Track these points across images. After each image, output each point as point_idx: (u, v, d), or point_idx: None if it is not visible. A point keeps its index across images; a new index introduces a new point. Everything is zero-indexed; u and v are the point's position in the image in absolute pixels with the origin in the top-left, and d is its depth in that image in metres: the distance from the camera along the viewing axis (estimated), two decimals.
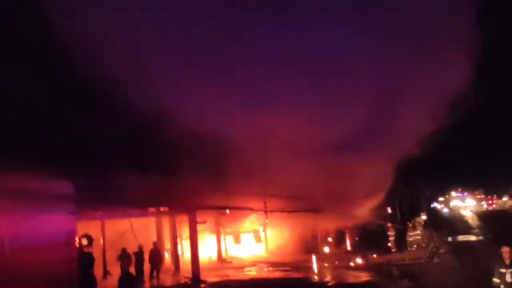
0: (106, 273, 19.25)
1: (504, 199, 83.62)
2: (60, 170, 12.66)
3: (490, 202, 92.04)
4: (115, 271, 18.27)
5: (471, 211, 74.80)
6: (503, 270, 9.33)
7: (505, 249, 9.51)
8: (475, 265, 18.20)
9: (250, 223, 26.22)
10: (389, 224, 29.51)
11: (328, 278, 19.20)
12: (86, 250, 15.38)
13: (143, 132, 16.09)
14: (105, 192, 14.49)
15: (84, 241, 16.43)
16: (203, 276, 18.65)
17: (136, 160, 15.58)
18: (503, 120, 61.79)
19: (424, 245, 26.88)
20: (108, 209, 16.83)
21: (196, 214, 18.93)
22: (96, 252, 17.64)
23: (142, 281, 18.01)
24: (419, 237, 27.26)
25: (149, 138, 16.28)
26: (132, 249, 18.45)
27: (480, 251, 23.03)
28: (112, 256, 19.13)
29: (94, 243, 17.22)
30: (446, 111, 23.90)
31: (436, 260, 21.34)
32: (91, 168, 14.35)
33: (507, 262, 9.38)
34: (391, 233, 27.86)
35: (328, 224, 26.35)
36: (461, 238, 31.50)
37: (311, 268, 21.41)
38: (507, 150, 62.36)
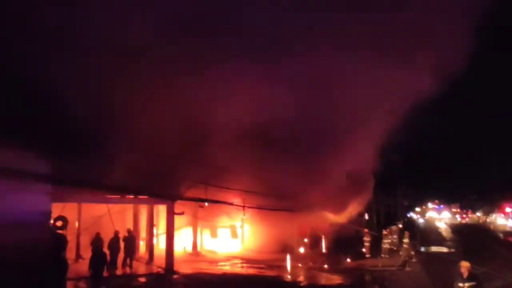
0: (78, 257, 19.08)
1: (478, 214, 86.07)
2: (38, 149, 12.42)
3: (464, 216, 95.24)
4: (88, 255, 18.13)
5: (445, 223, 75.97)
6: (460, 285, 9.53)
7: (464, 264, 9.74)
8: (444, 276, 18.49)
9: (228, 218, 26.21)
10: (365, 230, 29.83)
11: (301, 278, 19.31)
12: (60, 232, 15.21)
13: (128, 115, 15.79)
14: (84, 174, 14.26)
15: (59, 223, 16.25)
16: (176, 267, 18.64)
17: (118, 144, 15.33)
18: (481, 143, 63.87)
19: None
20: (85, 192, 16.65)
21: (175, 204, 18.87)
22: (70, 235, 17.49)
23: (115, 268, 17.90)
24: (406, 246, 27.43)
25: (135, 123, 16.02)
26: (107, 234, 18.35)
27: (450, 263, 23.36)
28: (86, 240, 18.99)
29: (68, 226, 17.04)
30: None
31: (407, 268, 21.62)
32: (71, 148, 14.10)
33: (465, 276, 9.58)
34: (367, 238, 28.17)
35: (305, 225, 26.52)
36: (434, 249, 31.96)
37: (285, 267, 21.49)
38: (483, 170, 64.58)
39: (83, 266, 17.84)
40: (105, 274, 16.48)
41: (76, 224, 19.39)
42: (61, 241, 14.27)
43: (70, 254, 16.54)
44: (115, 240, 18.14)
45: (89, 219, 19.02)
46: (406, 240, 27.67)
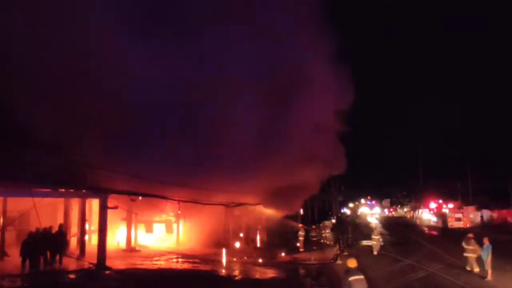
0: (3, 253, 18.12)
1: (405, 209, 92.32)
2: None
3: (391, 210, 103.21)
4: (13, 252, 17.30)
5: (376, 218, 79.42)
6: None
7: (349, 261, 10.83)
8: (373, 268, 19.47)
9: (163, 213, 25.91)
10: (300, 225, 30.55)
11: (235, 272, 19.48)
12: None
13: (59, 105, 15.19)
14: (8, 166, 13.54)
15: None
16: (109, 263, 18.18)
17: (47, 135, 14.68)
18: (411, 143, 68.25)
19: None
20: (10, 185, 15.82)
21: (108, 198, 18.37)
22: None
23: (46, 264, 17.25)
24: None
25: (64, 114, 15.41)
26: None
27: (379, 255, 24.53)
28: (11, 236, 18.11)
29: None
30: None
31: (339, 261, 22.38)
32: None
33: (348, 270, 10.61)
34: (301, 233, 28.89)
35: (240, 219, 26.76)
36: (364, 242, 33.29)
37: (220, 261, 21.60)
38: (412, 168, 69.11)
39: (8, 264, 17.09)
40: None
41: (1, 219, 18.40)
42: None
43: None
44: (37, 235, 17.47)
45: (15, 213, 18.09)
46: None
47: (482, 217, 50.35)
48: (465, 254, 18.68)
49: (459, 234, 37.52)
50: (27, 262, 16.69)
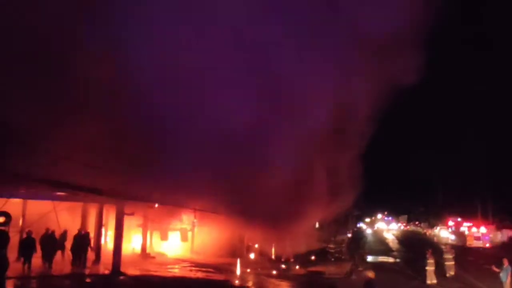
0: (21, 255, 18.37)
1: (422, 225, 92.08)
2: None
3: (405, 225, 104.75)
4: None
5: (393, 234, 78.45)
6: None
7: (368, 273, 11.24)
8: (388, 284, 19.18)
9: (179, 221, 26.00)
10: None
11: (249, 283, 19.42)
12: (1, 228, 14.63)
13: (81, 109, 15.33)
14: (28, 169, 13.73)
15: (1, 219, 15.62)
16: (124, 269, 18.28)
17: (68, 139, 14.84)
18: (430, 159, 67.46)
19: None
20: (30, 188, 16.08)
21: (125, 204, 18.53)
22: (13, 233, 16.86)
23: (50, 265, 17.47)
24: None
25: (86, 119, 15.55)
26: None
27: (394, 272, 24.21)
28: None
29: (12, 223, 16.42)
30: None
31: (353, 276, 22.17)
32: (15, 141, 13.58)
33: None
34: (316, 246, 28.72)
35: (256, 230, 26.59)
36: (380, 258, 32.95)
37: (234, 272, 21.53)
38: (428, 185, 68.24)
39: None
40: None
41: (20, 221, 18.70)
42: (2, 238, 13.75)
43: (13, 253, 15.89)
44: (46, 237, 17.79)
45: (34, 216, 18.38)
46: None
47: (510, 237, 48.96)
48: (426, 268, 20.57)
49: (479, 254, 36.87)
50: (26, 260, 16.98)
